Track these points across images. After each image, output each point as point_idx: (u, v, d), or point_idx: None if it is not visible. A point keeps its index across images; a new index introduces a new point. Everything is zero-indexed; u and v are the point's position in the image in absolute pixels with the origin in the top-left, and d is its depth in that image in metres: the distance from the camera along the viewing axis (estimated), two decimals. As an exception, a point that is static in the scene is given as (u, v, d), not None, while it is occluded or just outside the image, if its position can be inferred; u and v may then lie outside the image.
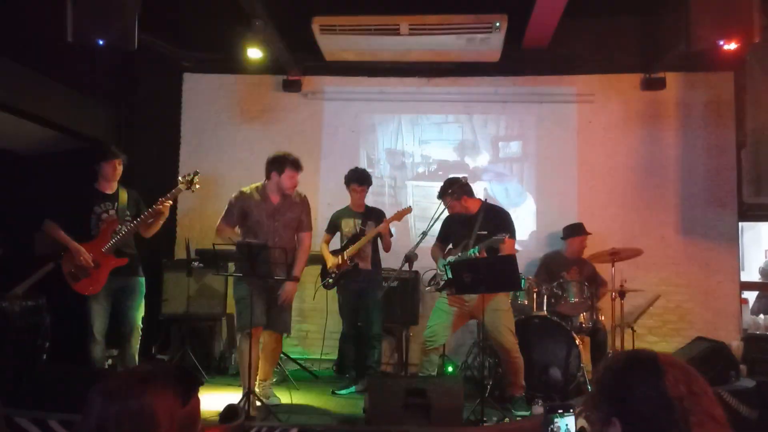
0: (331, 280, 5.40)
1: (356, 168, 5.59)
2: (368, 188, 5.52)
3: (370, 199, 5.72)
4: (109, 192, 4.70)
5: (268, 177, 4.75)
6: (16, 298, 4.82)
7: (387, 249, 5.45)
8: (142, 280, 4.76)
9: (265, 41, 5.73)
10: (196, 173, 4.71)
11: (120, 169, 4.71)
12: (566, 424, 1.54)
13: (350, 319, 5.51)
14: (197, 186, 4.69)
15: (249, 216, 4.68)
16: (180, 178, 4.73)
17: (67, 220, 4.56)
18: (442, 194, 4.87)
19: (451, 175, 5.29)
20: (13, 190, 5.96)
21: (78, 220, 4.58)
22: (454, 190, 4.84)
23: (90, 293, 4.49)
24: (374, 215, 5.43)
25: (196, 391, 1.30)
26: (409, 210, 5.35)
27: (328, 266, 5.42)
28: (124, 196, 4.73)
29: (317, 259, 5.68)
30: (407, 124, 6.97)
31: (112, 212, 4.63)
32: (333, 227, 5.59)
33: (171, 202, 4.62)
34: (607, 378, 1.34)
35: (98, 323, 4.53)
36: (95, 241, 4.54)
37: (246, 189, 4.78)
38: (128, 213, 4.68)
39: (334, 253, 5.45)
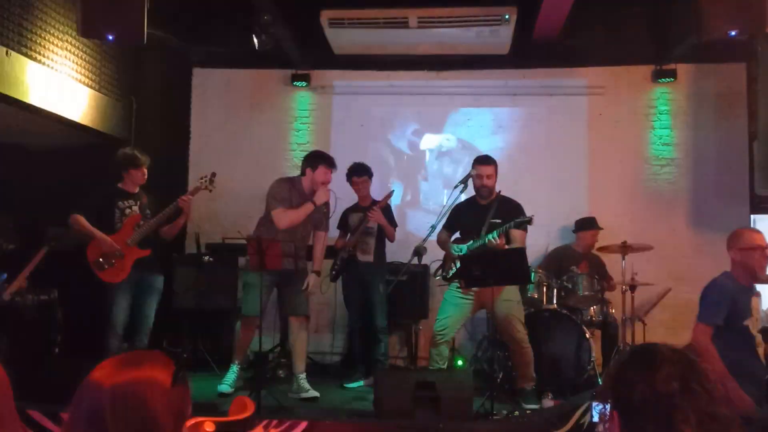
0: (334, 272, 5.42)
1: (354, 163, 5.60)
2: (369, 180, 5.53)
3: (380, 191, 5.70)
4: (134, 192, 4.89)
5: (303, 173, 4.95)
6: (21, 292, 4.87)
7: (390, 239, 5.45)
8: (162, 279, 4.94)
9: (273, 35, 5.72)
10: (213, 174, 4.95)
11: (146, 172, 4.91)
12: None
13: (355, 312, 5.52)
14: (214, 186, 4.96)
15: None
16: (200, 179, 4.98)
17: (91, 213, 4.71)
18: (486, 161, 4.85)
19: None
20: (26, 185, 6.00)
21: (102, 213, 4.74)
22: (496, 165, 4.87)
23: (115, 281, 4.62)
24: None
25: (184, 374, 1.32)
26: (390, 194, 5.41)
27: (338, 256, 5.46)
28: (144, 197, 4.93)
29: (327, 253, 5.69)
30: (416, 117, 6.96)
31: (135, 208, 4.82)
32: (343, 223, 5.61)
33: (192, 198, 4.86)
34: (612, 371, 1.35)
35: (119, 315, 4.65)
36: (119, 233, 4.70)
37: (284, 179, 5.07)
38: (149, 212, 4.85)
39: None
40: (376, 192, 5.75)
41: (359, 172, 5.50)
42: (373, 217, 5.25)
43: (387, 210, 5.45)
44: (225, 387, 4.85)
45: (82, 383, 1.26)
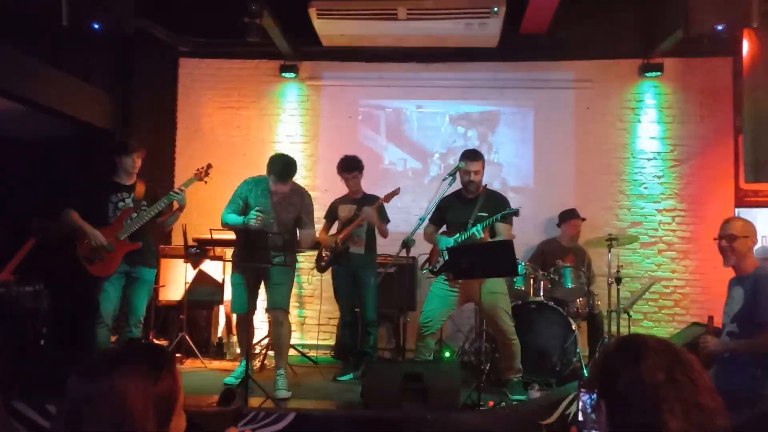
0: (323, 263, 5.41)
1: (344, 156, 5.51)
2: (360, 174, 5.44)
3: (368, 184, 5.69)
4: (127, 183, 4.79)
5: (268, 173, 4.71)
6: (8, 283, 4.84)
7: (383, 235, 5.42)
8: (153, 271, 4.88)
9: (261, 26, 5.69)
10: (209, 166, 4.91)
11: (139, 162, 4.80)
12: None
13: (346, 304, 5.52)
14: (210, 178, 4.90)
15: (250, 206, 4.68)
16: (195, 170, 4.93)
17: (84, 208, 4.64)
18: (474, 157, 4.80)
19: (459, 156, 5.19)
20: (13, 177, 5.96)
21: (95, 208, 4.66)
22: (483, 160, 4.84)
23: (104, 275, 4.57)
24: (370, 201, 5.35)
25: (169, 368, 1.32)
26: (397, 191, 5.27)
27: (322, 247, 5.43)
28: (141, 188, 4.82)
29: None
30: (405, 109, 6.95)
31: (128, 201, 4.72)
32: (331, 214, 5.58)
33: (185, 191, 4.77)
34: (598, 361, 1.36)
35: (107, 307, 4.60)
36: (110, 227, 4.63)
37: (250, 179, 4.84)
38: (144, 204, 4.75)
39: (330, 237, 5.46)
40: (367, 183, 5.69)
41: (349, 168, 5.39)
42: (366, 217, 5.21)
43: (380, 206, 5.39)
44: (231, 379, 4.86)
45: (70, 376, 1.27)
